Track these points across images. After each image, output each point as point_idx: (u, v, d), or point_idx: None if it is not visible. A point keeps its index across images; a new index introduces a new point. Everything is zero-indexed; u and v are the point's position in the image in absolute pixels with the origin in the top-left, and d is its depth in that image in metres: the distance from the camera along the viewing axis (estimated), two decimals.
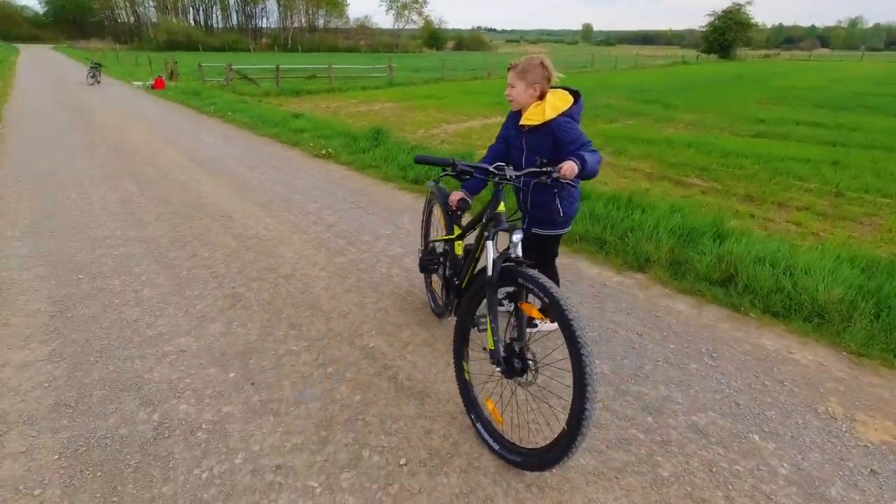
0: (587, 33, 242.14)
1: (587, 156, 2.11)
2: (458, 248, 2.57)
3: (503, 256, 1.90)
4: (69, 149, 7.64)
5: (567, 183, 2.08)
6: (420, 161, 1.94)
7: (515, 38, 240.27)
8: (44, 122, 10.24)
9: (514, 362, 1.86)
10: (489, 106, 13.36)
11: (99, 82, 19.02)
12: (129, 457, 1.98)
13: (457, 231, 2.56)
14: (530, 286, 1.78)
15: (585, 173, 2.12)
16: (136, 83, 19.34)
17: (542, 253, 2.64)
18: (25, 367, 2.53)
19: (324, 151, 7.38)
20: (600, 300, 3.18)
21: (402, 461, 1.94)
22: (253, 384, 2.40)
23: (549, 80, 2.25)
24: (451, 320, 2.81)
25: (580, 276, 3.51)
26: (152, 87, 17.83)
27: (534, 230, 2.54)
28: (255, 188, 5.67)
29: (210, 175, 6.26)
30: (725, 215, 4.81)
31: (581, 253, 3.87)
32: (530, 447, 1.88)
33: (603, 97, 15.58)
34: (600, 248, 3.90)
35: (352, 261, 3.74)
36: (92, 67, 19.40)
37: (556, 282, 2.73)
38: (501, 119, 9.63)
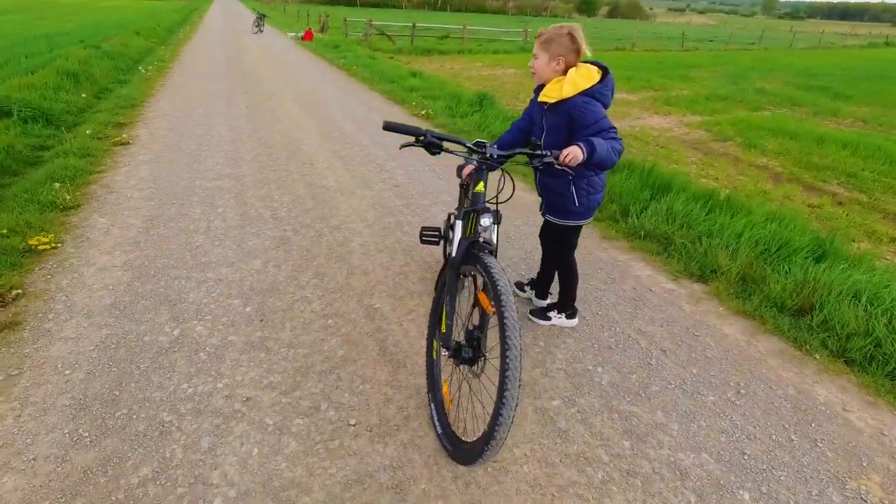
0: (769, 4, 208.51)
1: (598, 142, 1.87)
2: None
3: (470, 238, 1.80)
4: (215, 90, 8.67)
5: (563, 169, 1.87)
6: (388, 128, 1.87)
7: (681, 6, 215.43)
8: (207, 63, 11.70)
9: (462, 350, 1.78)
10: (616, 80, 12.34)
11: (262, 31, 21.05)
12: (141, 360, 2.29)
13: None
14: (482, 273, 1.67)
15: (593, 161, 1.89)
16: (290, 34, 21.11)
17: (558, 242, 2.44)
18: (103, 270, 3.01)
19: (423, 112, 7.46)
20: (636, 305, 2.87)
21: (353, 422, 1.99)
22: (262, 321, 2.60)
23: (577, 53, 2.00)
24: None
25: (626, 275, 3.19)
26: (302, 39, 19.33)
27: (547, 217, 2.35)
28: (344, 139, 5.96)
29: (312, 121, 6.70)
30: (850, 233, 4.01)
31: (640, 251, 3.50)
32: (463, 439, 1.80)
33: (757, 80, 13.52)
34: (665, 248, 3.49)
35: (399, 222, 3.80)
36: (257, 18, 21.52)
37: (573, 275, 2.51)
38: (622, 95, 9.23)
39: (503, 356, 1.51)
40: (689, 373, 2.35)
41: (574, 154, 1.83)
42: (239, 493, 1.70)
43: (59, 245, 3.28)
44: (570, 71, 2.00)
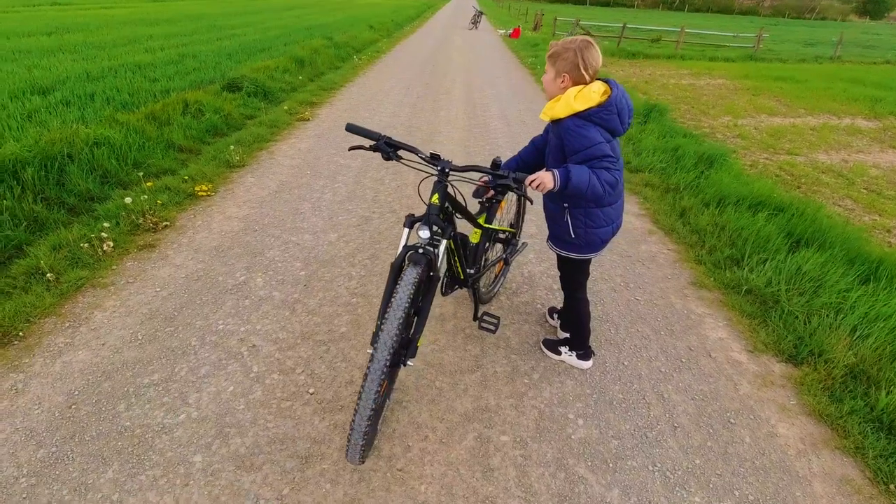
0: None
1: (575, 171, 1.69)
2: (475, 237, 2.41)
3: (410, 246, 1.79)
4: (402, 79, 9.64)
5: (521, 195, 1.72)
6: (349, 129, 1.93)
7: None
8: (411, 55, 13.03)
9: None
10: (853, 102, 9.88)
11: (476, 28, 22.33)
12: (207, 294, 2.84)
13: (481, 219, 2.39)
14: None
15: (569, 192, 1.70)
16: (500, 31, 21.95)
17: (562, 273, 2.22)
18: (228, 219, 3.75)
19: None
20: (679, 367, 2.43)
21: (312, 391, 2.18)
22: (305, 286, 2.96)
23: (582, 70, 1.78)
24: (488, 306, 2.71)
25: (690, 331, 2.69)
26: (510, 36, 19.94)
27: (548, 242, 2.15)
28: (484, 135, 6.10)
29: (464, 115, 7.00)
30: None
31: (729, 308, 2.90)
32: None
33: None
34: (763, 312, 2.82)
35: None
36: (475, 15, 22.88)
37: (581, 313, 2.27)
38: (854, 121, 8.02)
39: (368, 367, 1.51)
40: (689, 461, 1.93)
41: (542, 181, 1.69)
42: (198, 416, 2.04)
43: (212, 194, 4.17)
44: (568, 90, 1.80)
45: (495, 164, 1.87)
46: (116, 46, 10.59)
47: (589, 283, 2.98)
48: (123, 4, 24.81)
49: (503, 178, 1.76)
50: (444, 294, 2.38)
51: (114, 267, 3.06)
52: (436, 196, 1.84)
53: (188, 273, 3.03)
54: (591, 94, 1.75)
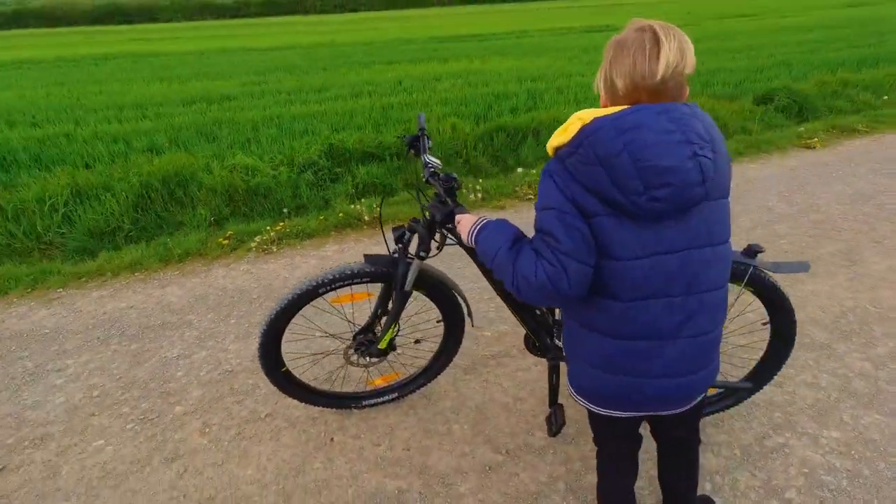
0: None
1: (491, 231, 1.16)
2: None
3: (396, 250, 1.71)
4: None
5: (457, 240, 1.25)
6: (419, 117, 1.75)
7: None
8: None
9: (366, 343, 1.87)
10: None
11: None
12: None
13: None
14: None
15: (478, 252, 1.18)
16: None
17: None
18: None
19: None
20: None
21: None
22: None
23: (608, 80, 1.00)
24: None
25: None
26: None
27: None
28: None
29: None
30: None
31: None
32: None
33: None
34: None
35: None
36: None
37: (597, 483, 1.33)
38: None
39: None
40: None
41: (462, 224, 1.31)
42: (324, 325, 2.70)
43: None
44: (578, 112, 1.01)
45: (449, 189, 1.44)
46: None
47: None
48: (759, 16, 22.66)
49: (441, 207, 1.41)
50: (529, 350, 1.91)
51: None
52: (427, 211, 1.61)
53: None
54: (575, 126, 0.97)
